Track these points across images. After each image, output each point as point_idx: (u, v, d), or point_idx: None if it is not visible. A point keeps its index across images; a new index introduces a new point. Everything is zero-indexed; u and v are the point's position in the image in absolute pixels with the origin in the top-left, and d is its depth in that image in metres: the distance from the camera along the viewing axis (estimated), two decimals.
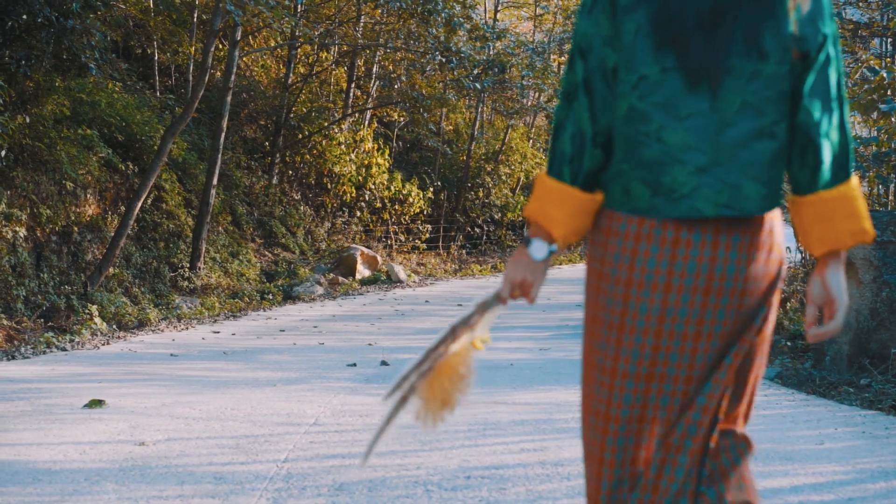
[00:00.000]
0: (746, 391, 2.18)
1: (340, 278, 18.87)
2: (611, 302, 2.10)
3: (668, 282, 2.04)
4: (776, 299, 2.13)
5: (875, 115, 9.15)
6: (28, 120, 11.76)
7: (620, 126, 2.06)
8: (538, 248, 2.14)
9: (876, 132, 10.38)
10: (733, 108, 1.98)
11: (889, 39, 14.24)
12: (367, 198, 23.46)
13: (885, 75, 8.29)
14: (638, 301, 2.06)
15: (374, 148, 23.46)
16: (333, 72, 24.26)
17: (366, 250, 20.36)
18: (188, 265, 15.00)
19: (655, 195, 2.02)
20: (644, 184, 2.03)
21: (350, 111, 23.63)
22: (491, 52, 20.42)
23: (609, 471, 2.14)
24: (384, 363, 8.85)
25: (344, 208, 23.20)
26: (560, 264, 28.99)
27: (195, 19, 18.69)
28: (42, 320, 10.77)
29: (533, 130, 32.81)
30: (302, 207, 21.60)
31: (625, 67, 2.04)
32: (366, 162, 23.18)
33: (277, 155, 21.09)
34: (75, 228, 12.62)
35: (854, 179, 2.07)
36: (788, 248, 17.28)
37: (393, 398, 2.30)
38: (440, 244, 26.64)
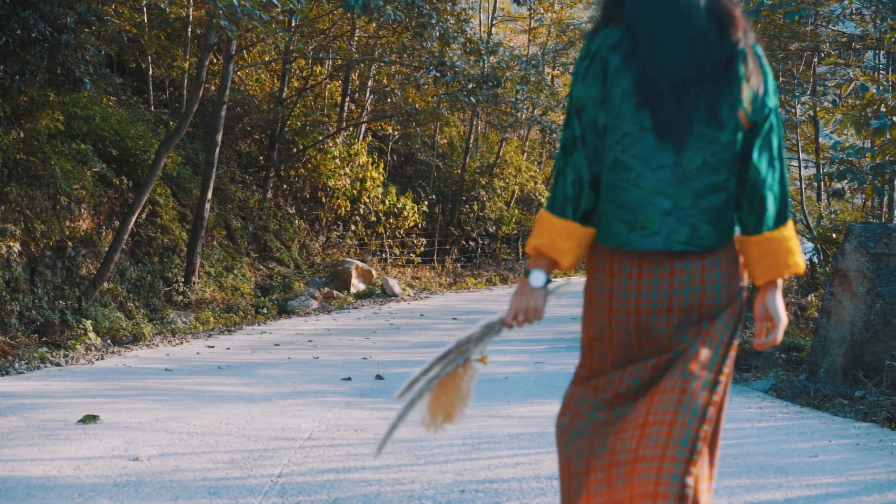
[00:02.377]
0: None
1: (335, 292, 18.87)
2: (622, 327, 2.52)
3: (669, 305, 2.49)
4: (739, 310, 2.55)
5: (869, 129, 9.17)
6: (22, 135, 11.76)
7: (607, 173, 2.49)
8: (536, 278, 2.56)
9: (870, 143, 10.40)
10: (694, 165, 2.43)
11: (882, 52, 14.30)
12: (361, 211, 23.48)
13: (874, 91, 8.30)
14: (648, 322, 2.49)
15: (368, 162, 23.50)
16: (328, 85, 24.30)
17: (360, 264, 20.36)
18: (183, 279, 14.99)
19: (631, 231, 2.45)
20: (622, 222, 2.46)
21: (344, 125, 23.67)
22: (485, 66, 20.46)
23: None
24: (379, 377, 8.85)
25: (338, 222, 23.21)
26: (554, 276, 28.99)
27: (189, 34, 18.72)
28: (36, 335, 10.74)
29: (527, 143, 32.86)
30: (296, 221, 21.61)
31: (612, 126, 2.45)
32: (360, 176, 23.21)
33: (272, 169, 21.11)
34: (69, 243, 12.61)
35: (790, 223, 2.56)
36: None
37: (404, 398, 2.76)
38: (435, 258, 26.65)
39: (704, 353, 2.44)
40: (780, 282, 2.56)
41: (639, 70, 2.40)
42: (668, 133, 2.40)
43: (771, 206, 2.51)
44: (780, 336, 2.55)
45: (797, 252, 2.54)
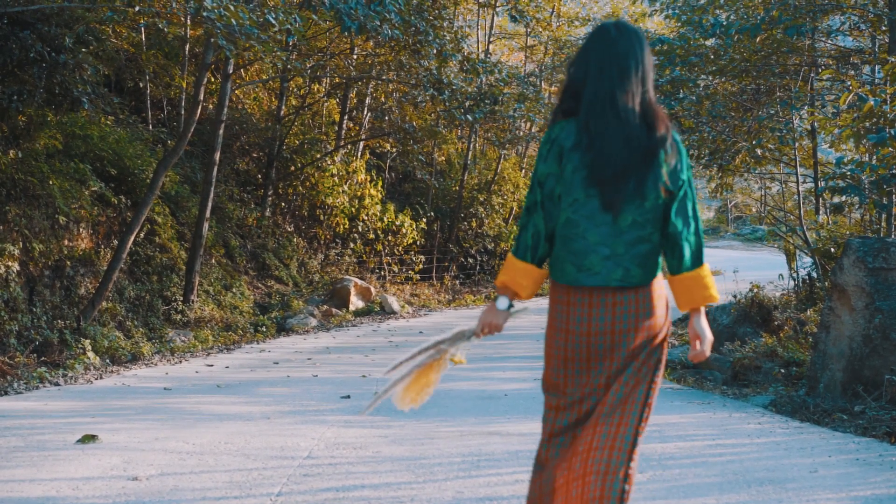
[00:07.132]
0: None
1: (334, 310, 18.85)
2: (574, 345, 3.23)
3: (612, 328, 3.20)
4: (664, 334, 3.26)
5: (866, 143, 9.16)
6: (20, 154, 11.77)
7: (560, 228, 3.25)
8: (501, 303, 3.35)
9: (869, 157, 10.38)
10: (627, 223, 3.18)
11: (878, 67, 14.32)
12: (360, 229, 23.45)
13: (872, 103, 8.28)
14: (595, 342, 3.21)
15: (366, 179, 23.47)
16: (326, 103, 24.33)
17: (359, 282, 20.35)
18: (181, 298, 14.98)
19: (579, 272, 3.20)
20: (573, 265, 3.22)
21: (342, 143, 23.68)
22: (483, 84, 20.48)
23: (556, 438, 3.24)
24: None
25: (337, 240, 23.19)
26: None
27: (187, 53, 18.76)
28: (35, 355, 10.73)
29: (525, 160, 32.87)
30: (295, 239, 21.60)
31: (565, 192, 3.21)
32: (358, 193, 23.20)
33: (270, 187, 21.11)
34: (68, 263, 12.60)
35: (705, 265, 3.28)
36: (781, 275, 17.32)
37: (391, 375, 3.58)
38: (434, 275, 26.63)
39: (637, 376, 3.19)
40: (702, 309, 3.29)
41: (590, 159, 3.15)
42: (609, 206, 3.15)
43: (687, 253, 3.24)
44: (707, 350, 3.29)
45: (711, 287, 3.27)
